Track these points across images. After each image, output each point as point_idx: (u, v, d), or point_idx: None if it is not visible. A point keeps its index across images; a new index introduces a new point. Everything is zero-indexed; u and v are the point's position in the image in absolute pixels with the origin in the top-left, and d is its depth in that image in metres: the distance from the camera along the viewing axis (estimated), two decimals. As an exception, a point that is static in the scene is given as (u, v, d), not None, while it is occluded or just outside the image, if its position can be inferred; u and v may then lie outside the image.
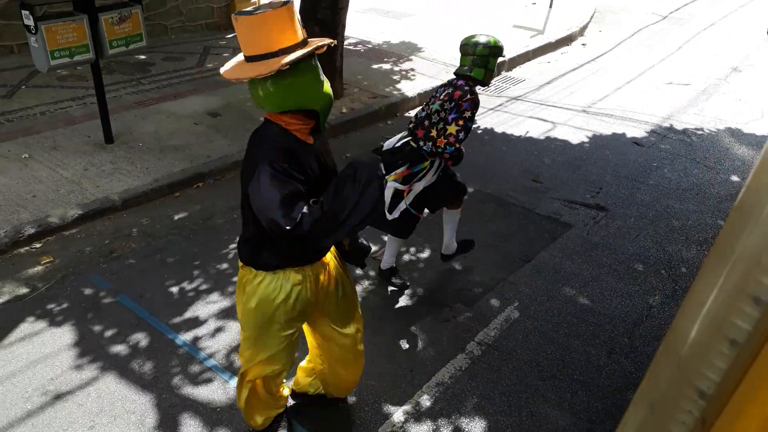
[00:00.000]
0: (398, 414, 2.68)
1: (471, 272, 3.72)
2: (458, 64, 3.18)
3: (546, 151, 5.45)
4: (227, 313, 3.24)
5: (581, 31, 9.34)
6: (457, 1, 10.48)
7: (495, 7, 10.22)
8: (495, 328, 3.24)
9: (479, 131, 5.80)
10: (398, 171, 3.07)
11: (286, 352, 2.18)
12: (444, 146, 3.02)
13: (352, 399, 2.75)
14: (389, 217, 3.05)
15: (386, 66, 7.25)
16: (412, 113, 6.25)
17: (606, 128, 6.02)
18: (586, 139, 5.75)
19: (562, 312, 3.40)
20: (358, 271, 3.67)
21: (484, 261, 3.83)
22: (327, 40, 1.81)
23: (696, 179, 5.08)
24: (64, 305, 3.23)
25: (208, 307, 3.29)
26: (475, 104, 3.00)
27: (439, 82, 6.66)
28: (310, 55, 1.76)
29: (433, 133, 3.04)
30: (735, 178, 5.17)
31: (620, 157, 5.42)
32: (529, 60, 8.02)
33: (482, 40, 3.10)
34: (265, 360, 2.17)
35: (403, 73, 7.05)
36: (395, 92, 6.41)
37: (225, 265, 3.65)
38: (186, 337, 3.06)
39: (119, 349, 2.96)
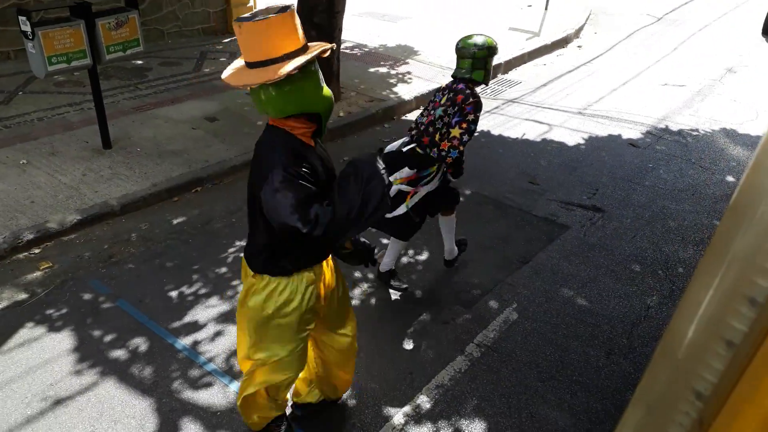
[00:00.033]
0: (398, 416, 2.69)
1: (469, 274, 3.74)
2: (455, 67, 3.17)
3: (542, 153, 5.47)
4: (226, 317, 3.25)
5: (577, 33, 9.38)
6: (452, 4, 10.52)
7: (491, 9, 10.27)
8: (494, 330, 3.25)
9: (476, 134, 5.81)
10: (404, 175, 3.08)
11: (299, 356, 2.19)
12: (448, 149, 3.02)
13: (352, 402, 2.76)
14: (389, 215, 3.07)
15: (383, 69, 7.27)
16: (410, 116, 6.28)
17: (602, 130, 6.05)
18: (582, 141, 5.78)
19: (561, 313, 3.42)
20: (357, 274, 3.68)
21: (482, 263, 3.84)
22: (328, 45, 1.84)
23: (692, 180, 5.11)
24: (64, 310, 3.23)
25: (207, 311, 3.29)
26: (478, 106, 3.01)
27: (435, 85, 6.69)
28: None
29: (437, 137, 3.05)
30: (730, 178, 5.20)
31: (616, 158, 5.44)
32: (525, 62, 8.06)
33: (479, 41, 3.08)
34: (279, 366, 2.17)
35: (400, 76, 7.07)
36: (392, 96, 6.43)
37: (224, 269, 3.66)
38: (185, 341, 3.06)
39: (119, 353, 2.96)
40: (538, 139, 5.77)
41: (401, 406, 2.75)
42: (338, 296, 2.29)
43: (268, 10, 1.77)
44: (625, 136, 5.93)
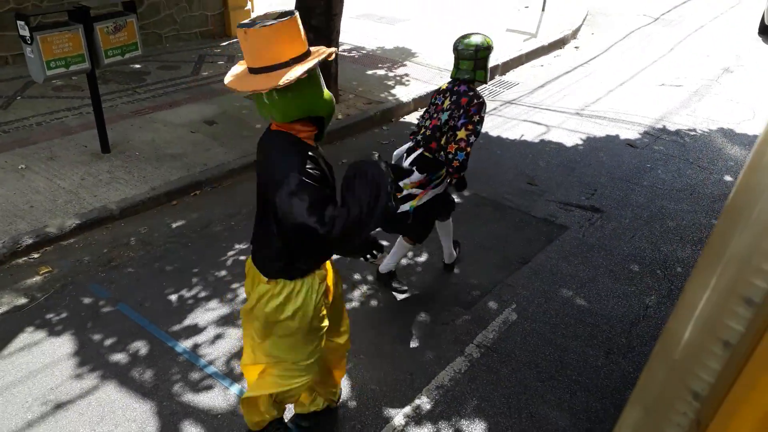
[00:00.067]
0: (398, 417, 2.70)
1: (468, 275, 3.74)
2: (453, 68, 3.13)
3: (540, 154, 5.49)
4: (226, 320, 3.25)
5: (574, 34, 9.40)
6: (450, 6, 10.54)
7: (488, 11, 10.29)
8: (493, 331, 3.26)
9: (474, 135, 5.83)
10: (414, 179, 3.10)
11: (317, 358, 2.23)
12: (455, 152, 3.01)
13: (352, 403, 2.76)
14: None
15: (381, 72, 7.28)
16: (408, 118, 6.29)
17: (600, 130, 6.06)
18: (580, 142, 5.80)
19: (560, 313, 3.43)
20: (357, 276, 3.69)
21: (481, 264, 3.85)
22: (332, 49, 1.86)
23: (689, 180, 5.12)
24: (64, 315, 3.24)
25: (207, 314, 3.30)
26: (482, 107, 3.02)
27: (434, 87, 6.70)
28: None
29: (443, 141, 3.06)
30: (728, 177, 5.22)
31: (614, 158, 5.46)
32: (523, 64, 8.07)
33: (479, 40, 3.04)
34: (299, 369, 2.18)
35: (398, 78, 7.08)
36: (390, 98, 6.44)
37: (223, 272, 3.66)
38: (186, 344, 3.07)
39: (119, 357, 2.96)
40: (537, 140, 5.79)
41: (401, 407, 2.75)
42: (339, 293, 2.35)
43: (267, 16, 1.78)
44: (623, 136, 5.95)
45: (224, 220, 4.23)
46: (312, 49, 1.84)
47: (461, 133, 2.99)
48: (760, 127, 6.19)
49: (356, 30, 8.84)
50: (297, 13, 1.76)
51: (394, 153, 3.28)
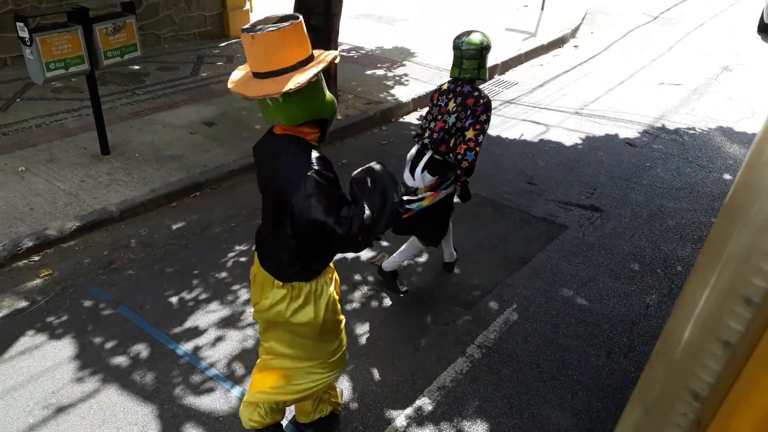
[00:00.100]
0: (400, 419, 2.70)
1: (469, 275, 3.74)
2: (453, 68, 3.05)
3: (540, 154, 5.49)
4: (227, 322, 3.25)
5: (573, 33, 9.41)
6: (449, 5, 10.54)
7: (487, 10, 10.29)
8: (494, 331, 3.26)
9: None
10: (427, 182, 3.12)
11: (344, 350, 2.28)
12: (464, 152, 3.01)
13: (354, 405, 2.76)
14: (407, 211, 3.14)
15: (380, 72, 7.28)
16: (408, 119, 6.29)
17: (599, 129, 6.06)
18: (580, 141, 5.80)
19: (561, 313, 3.43)
20: (357, 276, 3.69)
21: (481, 264, 3.85)
22: (335, 52, 1.88)
23: (689, 178, 5.12)
24: (64, 318, 3.24)
25: (208, 316, 3.30)
26: (489, 106, 3.00)
27: (433, 87, 6.69)
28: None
29: (452, 143, 3.05)
30: (727, 176, 5.22)
31: (614, 157, 5.46)
32: (522, 63, 8.08)
33: (479, 39, 2.99)
34: (328, 365, 2.22)
35: (397, 78, 7.08)
36: (389, 98, 6.44)
37: (224, 274, 3.66)
38: (187, 347, 3.07)
39: (120, 360, 2.96)
40: (536, 140, 5.79)
41: (403, 408, 2.75)
42: (338, 292, 2.36)
43: (267, 20, 1.78)
44: (623, 135, 5.95)
45: (224, 221, 4.23)
46: (315, 52, 1.84)
47: (469, 134, 2.98)
48: (759, 126, 6.17)
49: (355, 30, 8.85)
50: (301, 17, 1.77)
51: (407, 156, 3.25)
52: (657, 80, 7.55)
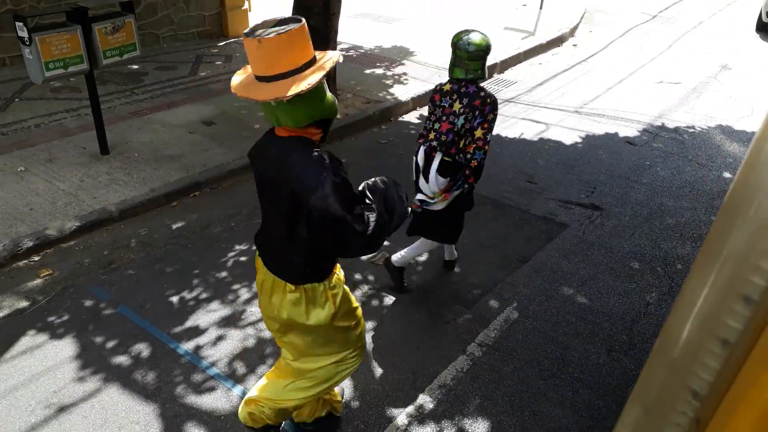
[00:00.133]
0: (401, 417, 2.70)
1: (469, 274, 3.75)
2: (456, 68, 3.02)
3: (540, 152, 5.49)
4: (228, 321, 3.26)
5: (572, 32, 9.41)
6: (447, 5, 10.54)
7: (485, 9, 10.29)
8: (495, 329, 3.27)
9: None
10: (441, 185, 3.15)
11: (364, 337, 2.34)
12: (474, 151, 3.02)
13: (355, 403, 2.77)
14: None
15: (379, 71, 7.29)
16: (407, 117, 6.29)
17: (598, 128, 6.07)
18: (579, 140, 5.80)
19: (561, 311, 3.43)
20: (357, 276, 3.69)
21: (481, 262, 3.86)
22: (338, 53, 1.89)
23: (689, 177, 5.13)
24: (65, 317, 3.24)
25: (208, 315, 3.30)
26: (495, 104, 3.01)
27: (432, 86, 6.70)
28: None
29: (461, 144, 3.06)
30: (727, 174, 5.22)
31: (613, 156, 5.47)
32: (521, 62, 8.08)
33: (481, 39, 2.98)
34: (353, 357, 2.26)
35: (396, 77, 7.08)
36: (389, 97, 6.44)
37: (224, 274, 3.67)
38: (187, 346, 3.07)
39: (121, 359, 2.97)
40: (536, 139, 5.79)
41: (404, 406, 2.76)
42: None
43: (264, 24, 1.78)
44: (622, 134, 5.95)
45: (224, 221, 4.23)
46: (316, 53, 1.85)
47: (478, 133, 3.00)
48: (758, 124, 6.19)
49: (354, 29, 8.84)
50: (303, 20, 1.78)
51: (416, 161, 3.23)
52: (656, 79, 7.56)
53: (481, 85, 3.08)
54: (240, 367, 2.94)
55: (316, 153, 1.86)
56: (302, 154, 1.87)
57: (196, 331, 3.18)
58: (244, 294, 3.48)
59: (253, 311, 3.34)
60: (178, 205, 4.43)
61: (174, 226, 4.16)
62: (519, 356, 3.08)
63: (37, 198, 4.22)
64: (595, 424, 2.71)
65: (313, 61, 1.80)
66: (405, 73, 7.22)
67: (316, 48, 1.86)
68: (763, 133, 0.84)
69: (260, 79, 1.78)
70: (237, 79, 1.88)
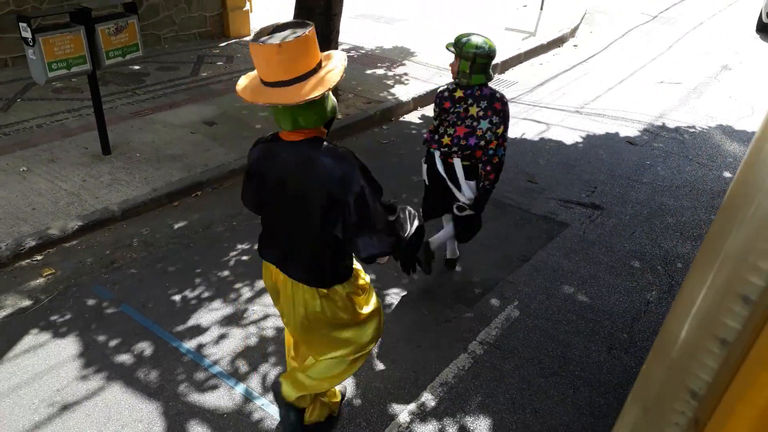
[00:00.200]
0: (404, 414, 2.72)
1: (470, 273, 3.77)
2: (468, 72, 3.00)
3: (540, 152, 5.51)
4: (230, 320, 3.27)
5: (572, 33, 9.41)
6: (448, 5, 10.54)
7: (486, 10, 10.30)
8: (496, 328, 3.28)
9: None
10: (472, 188, 3.26)
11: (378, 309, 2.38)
12: (496, 148, 3.10)
13: (357, 401, 2.79)
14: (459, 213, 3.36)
15: (380, 71, 7.30)
16: (408, 118, 6.30)
17: (599, 128, 6.08)
18: (580, 140, 5.81)
19: (562, 310, 3.45)
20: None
21: (483, 261, 3.87)
22: (342, 53, 1.94)
23: (689, 176, 5.14)
24: (68, 316, 3.26)
25: (210, 314, 3.32)
26: (507, 102, 3.14)
27: (433, 86, 6.71)
28: None
29: (483, 144, 3.12)
30: (727, 174, 5.24)
31: (614, 156, 5.48)
32: (521, 62, 8.09)
33: (491, 42, 3.03)
34: (373, 340, 2.31)
35: (397, 77, 7.09)
36: (390, 97, 6.45)
37: (226, 273, 3.68)
38: (190, 344, 3.09)
39: (124, 358, 2.98)
40: (536, 138, 5.81)
41: (406, 404, 2.78)
42: None
43: (262, 32, 1.81)
44: (623, 134, 5.96)
45: (225, 220, 4.25)
46: (322, 54, 1.89)
47: (499, 130, 3.10)
48: (758, 124, 6.19)
49: (355, 30, 8.85)
50: (307, 22, 1.81)
51: (439, 169, 3.27)
52: (657, 79, 7.57)
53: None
54: (242, 366, 2.96)
55: (340, 148, 1.91)
56: (327, 150, 1.89)
57: (199, 330, 3.19)
58: (246, 293, 3.50)
59: (255, 310, 3.35)
60: (179, 205, 4.45)
61: (176, 226, 4.17)
62: (520, 354, 3.10)
63: (39, 198, 4.23)
64: (596, 421, 2.73)
65: (320, 62, 1.84)
66: (406, 74, 7.23)
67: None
68: (762, 132, 0.85)
69: (277, 84, 1.77)
70: (246, 90, 1.86)
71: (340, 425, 2.66)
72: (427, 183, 3.44)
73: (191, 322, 3.25)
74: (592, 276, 3.77)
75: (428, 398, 2.81)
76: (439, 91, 3.22)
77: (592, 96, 6.94)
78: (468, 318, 3.36)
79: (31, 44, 4.16)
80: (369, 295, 2.31)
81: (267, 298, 3.37)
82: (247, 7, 8.55)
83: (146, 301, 3.40)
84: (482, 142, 3.10)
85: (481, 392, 2.86)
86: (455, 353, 3.09)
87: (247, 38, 8.30)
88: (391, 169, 4.89)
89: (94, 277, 3.59)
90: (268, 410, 2.71)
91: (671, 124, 6.22)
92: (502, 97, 3.11)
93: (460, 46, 3.00)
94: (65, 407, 2.69)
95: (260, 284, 3.55)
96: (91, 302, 3.37)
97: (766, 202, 0.75)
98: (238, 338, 3.14)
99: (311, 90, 1.75)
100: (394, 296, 3.53)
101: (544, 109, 6.54)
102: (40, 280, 3.54)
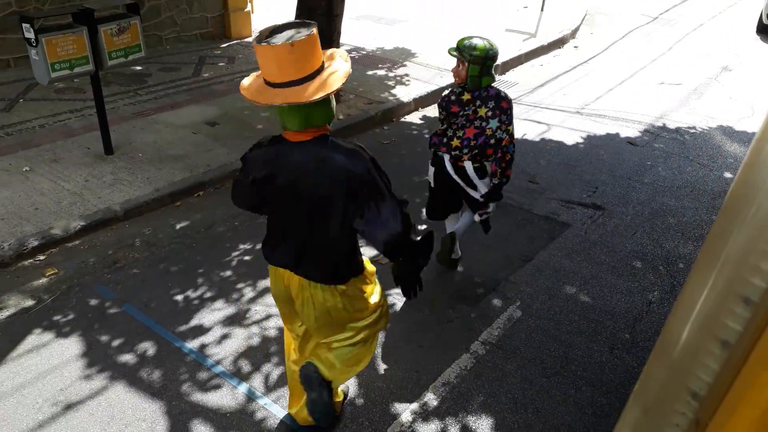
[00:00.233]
0: (406, 414, 2.73)
1: (472, 273, 3.77)
2: (475, 75, 3.06)
3: (541, 153, 5.52)
4: (233, 320, 3.28)
5: (573, 34, 9.42)
6: (449, 6, 10.56)
7: (487, 11, 10.31)
8: (498, 328, 3.29)
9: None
10: (486, 186, 3.32)
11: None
12: (507, 144, 3.17)
13: (360, 400, 2.80)
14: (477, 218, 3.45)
15: (381, 72, 7.31)
16: (409, 118, 6.31)
17: (600, 129, 6.09)
18: (581, 140, 5.82)
19: (564, 310, 3.46)
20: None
21: (484, 262, 3.88)
22: (343, 50, 1.98)
23: (690, 176, 5.15)
24: (71, 316, 3.27)
25: (213, 314, 3.33)
26: (512, 102, 3.23)
27: (434, 87, 6.73)
28: None
29: (493, 142, 3.20)
30: (728, 174, 5.25)
31: (615, 156, 5.49)
32: (522, 63, 8.10)
33: (485, 44, 3.05)
34: (386, 316, 2.46)
35: (398, 78, 7.11)
36: (391, 98, 6.47)
37: (228, 272, 3.69)
38: (193, 344, 3.10)
39: (127, 358, 2.99)
40: (537, 139, 5.82)
41: (409, 404, 2.79)
42: None
43: (261, 34, 1.82)
44: (624, 134, 5.97)
45: (228, 220, 4.26)
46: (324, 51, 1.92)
47: (510, 128, 3.18)
48: (759, 125, 6.20)
49: (356, 31, 8.87)
50: (315, 27, 1.82)
51: (451, 174, 3.32)
52: (657, 80, 7.58)
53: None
54: (245, 365, 2.97)
55: (349, 143, 1.95)
56: (339, 147, 1.92)
57: (201, 330, 3.20)
58: (249, 293, 3.51)
59: (258, 310, 3.36)
60: (182, 205, 4.46)
61: (178, 226, 4.18)
62: (522, 354, 3.11)
63: (42, 198, 4.24)
64: (598, 421, 2.74)
65: (326, 59, 1.89)
66: (407, 75, 7.24)
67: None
68: (763, 133, 0.85)
69: (289, 84, 1.78)
70: (254, 92, 1.87)
71: (343, 425, 2.67)
72: (432, 185, 3.47)
73: (194, 322, 3.26)
74: (593, 276, 3.78)
75: (430, 398, 2.82)
76: (444, 95, 3.24)
77: (592, 97, 6.95)
78: (470, 318, 3.37)
79: (34, 45, 4.17)
80: (374, 282, 2.39)
81: (269, 298, 3.38)
82: (249, 8, 8.57)
83: (149, 300, 3.41)
84: (492, 141, 3.18)
85: (483, 392, 2.87)
86: (457, 353, 3.10)
87: (249, 39, 8.31)
88: (392, 169, 4.86)
89: (96, 277, 3.60)
90: (271, 410, 2.72)
91: (672, 125, 6.23)
92: (507, 96, 3.19)
93: (467, 51, 3.04)
94: (69, 406, 2.70)
95: (262, 284, 3.56)
96: (93, 302, 3.38)
97: (767, 203, 0.75)
98: (240, 338, 3.15)
99: (321, 87, 1.78)
100: (396, 297, 3.54)
101: (544, 109, 6.55)
102: (43, 280, 3.55)
